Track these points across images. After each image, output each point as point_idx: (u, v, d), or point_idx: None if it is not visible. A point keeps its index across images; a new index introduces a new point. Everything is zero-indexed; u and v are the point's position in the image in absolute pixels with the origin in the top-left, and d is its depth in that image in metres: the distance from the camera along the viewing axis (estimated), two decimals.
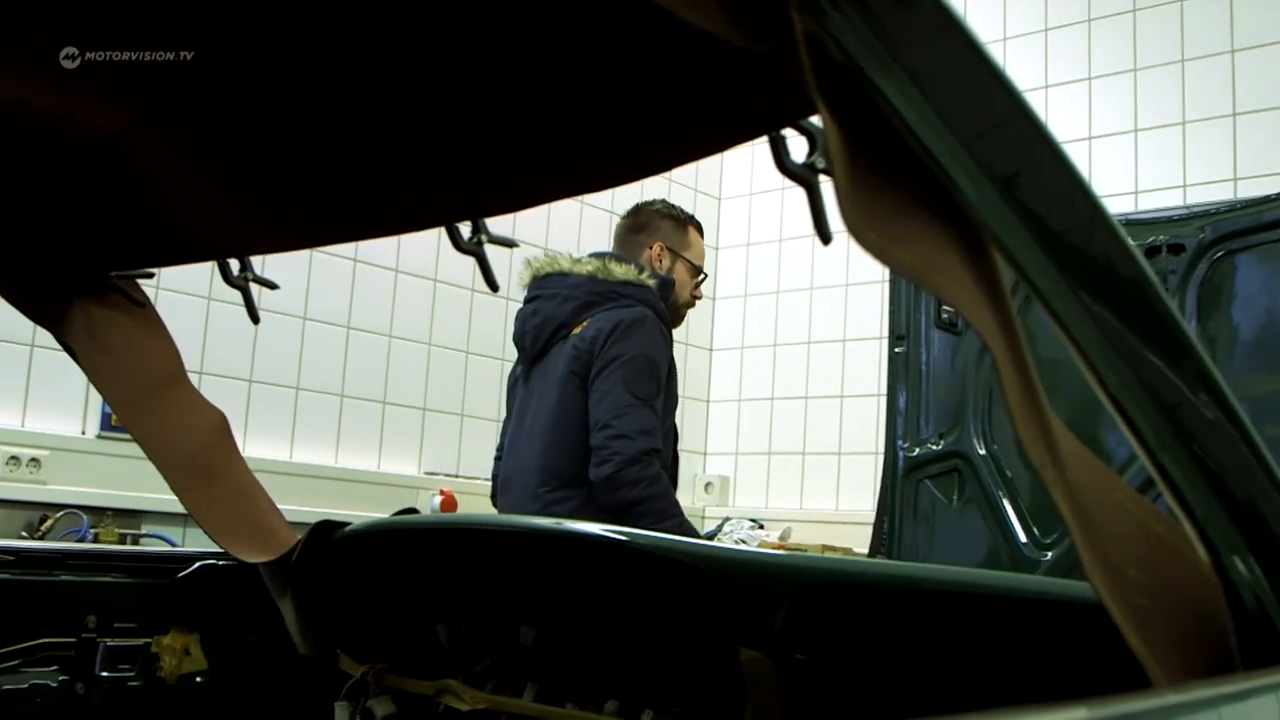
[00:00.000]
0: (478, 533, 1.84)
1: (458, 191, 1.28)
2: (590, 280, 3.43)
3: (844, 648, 1.36)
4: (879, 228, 0.72)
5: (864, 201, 0.71)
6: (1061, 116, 5.05)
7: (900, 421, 3.14)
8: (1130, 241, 0.81)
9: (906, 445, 3.12)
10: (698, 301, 3.73)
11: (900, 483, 3.11)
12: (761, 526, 5.36)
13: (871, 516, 3.26)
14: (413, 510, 2.03)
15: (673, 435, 3.47)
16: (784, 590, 1.37)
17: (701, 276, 3.70)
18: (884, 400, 3.52)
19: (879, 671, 1.35)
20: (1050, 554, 2.89)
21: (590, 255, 3.56)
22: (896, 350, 3.23)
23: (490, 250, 1.38)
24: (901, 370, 3.21)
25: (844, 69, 0.70)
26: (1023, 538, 2.92)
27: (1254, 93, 4.66)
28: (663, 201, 3.76)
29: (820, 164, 0.88)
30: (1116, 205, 4.67)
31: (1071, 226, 0.79)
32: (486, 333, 5.09)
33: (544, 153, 1.14)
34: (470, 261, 1.38)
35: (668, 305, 3.50)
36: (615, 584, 1.64)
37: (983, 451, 3.01)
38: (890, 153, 0.74)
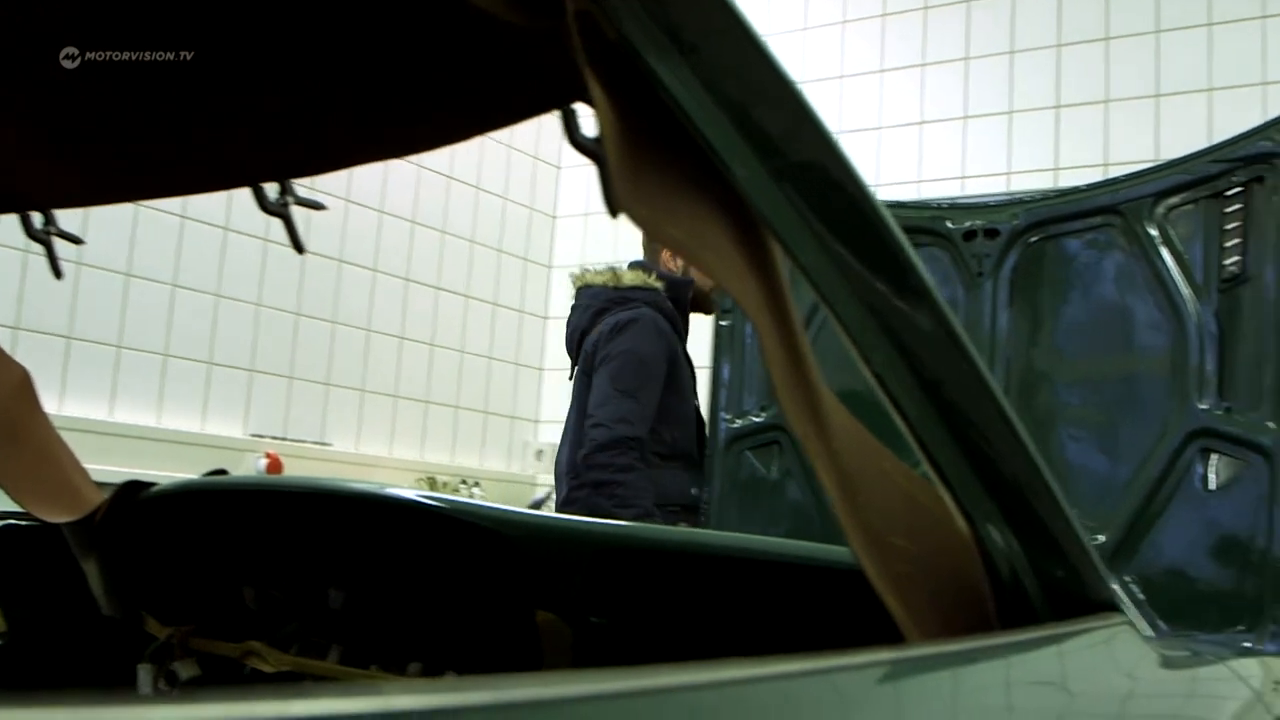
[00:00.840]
0: (285, 495, 1.83)
1: (263, 152, 1.27)
2: (604, 289, 3.84)
3: (636, 610, 1.40)
4: (650, 204, 0.74)
5: (635, 178, 0.73)
6: (896, 101, 5.17)
7: (723, 393, 3.20)
8: (897, 227, 0.85)
9: (729, 417, 3.17)
10: None
11: (722, 453, 3.16)
12: None
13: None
14: (222, 471, 2.01)
15: (695, 422, 3.73)
16: (579, 555, 1.40)
17: None
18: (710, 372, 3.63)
19: (668, 633, 1.38)
20: None
21: (608, 266, 3.94)
22: (721, 323, 3.29)
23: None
24: (726, 343, 3.27)
25: (617, 46, 0.72)
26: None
27: (1078, 86, 4.84)
28: None
29: None
30: (945, 189, 4.82)
31: (840, 209, 0.82)
32: (317, 295, 5.02)
33: (345, 118, 1.14)
34: (301, 223, 1.37)
35: (682, 303, 3.86)
36: (421, 548, 1.65)
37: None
38: (663, 130, 0.76)
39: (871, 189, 0.83)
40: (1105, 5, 4.83)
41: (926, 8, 5.21)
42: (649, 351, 3.64)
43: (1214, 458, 2.69)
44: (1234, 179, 2.72)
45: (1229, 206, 2.74)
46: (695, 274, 3.86)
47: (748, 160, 0.77)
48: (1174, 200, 2.82)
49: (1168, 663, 1.06)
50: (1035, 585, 0.99)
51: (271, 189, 1.37)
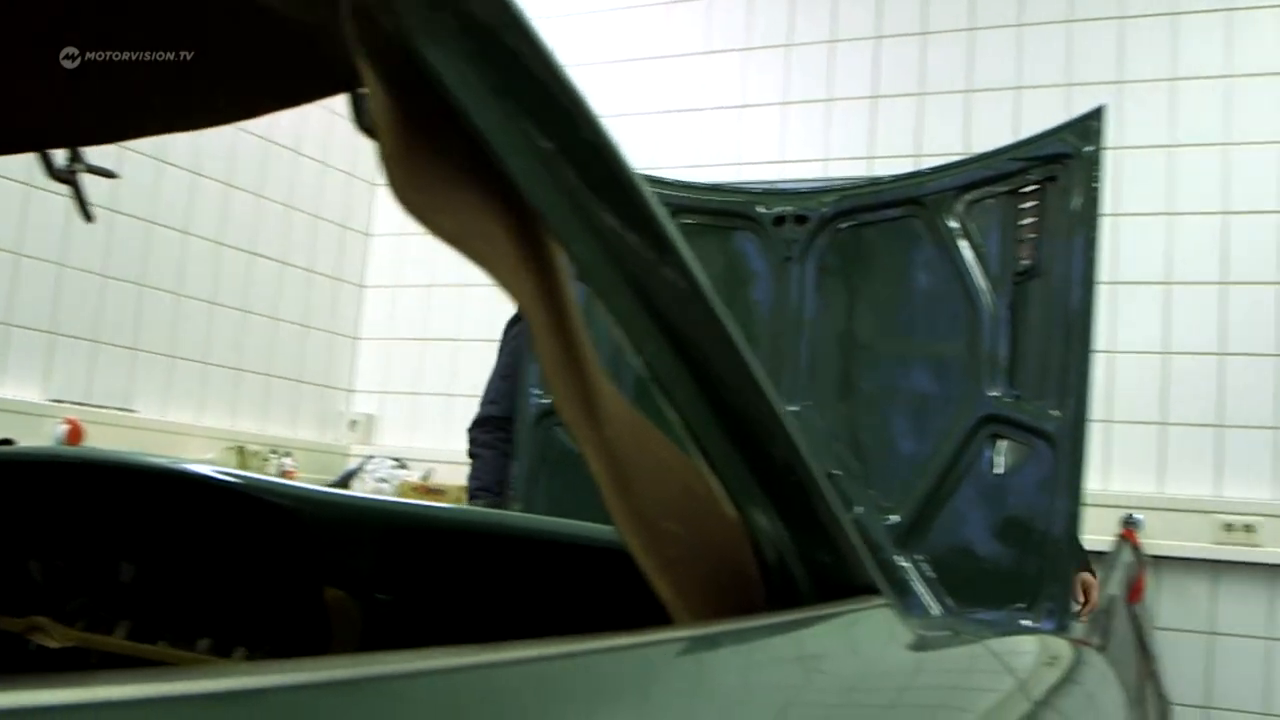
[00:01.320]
0: (74, 467, 1.80)
1: (48, 118, 1.24)
2: None
3: (422, 587, 1.41)
4: (423, 193, 0.75)
5: (408, 167, 0.74)
6: (718, 85, 5.25)
7: (534, 369, 3.21)
8: (673, 224, 0.88)
9: (538, 393, 3.19)
10: None
11: (532, 428, 3.18)
12: (404, 466, 5.38)
13: None
14: (7, 442, 1.96)
15: None
16: (367, 534, 1.41)
17: None
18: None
19: (453, 610, 1.40)
20: None
21: None
22: None
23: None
24: None
25: (394, 39, 0.73)
26: None
27: (894, 78, 4.97)
28: None
29: None
30: (764, 173, 4.91)
31: (615, 203, 0.84)
32: (124, 256, 4.88)
33: (132, 91, 1.12)
34: (109, 183, 1.34)
35: None
36: (214, 523, 1.64)
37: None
38: (440, 121, 0.77)
39: (646, 185, 0.86)
40: (923, 2, 4.97)
41: None
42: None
43: (1002, 443, 2.81)
44: (1029, 177, 2.84)
45: (1024, 203, 2.85)
46: None
47: (521, 151, 0.79)
48: (974, 195, 2.93)
49: (920, 643, 1.11)
50: (802, 570, 1.03)
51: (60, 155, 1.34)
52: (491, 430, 3.74)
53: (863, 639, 1.02)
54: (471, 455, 3.84)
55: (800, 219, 3.06)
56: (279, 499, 1.48)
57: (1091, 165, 2.77)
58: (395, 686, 0.50)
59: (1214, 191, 4.47)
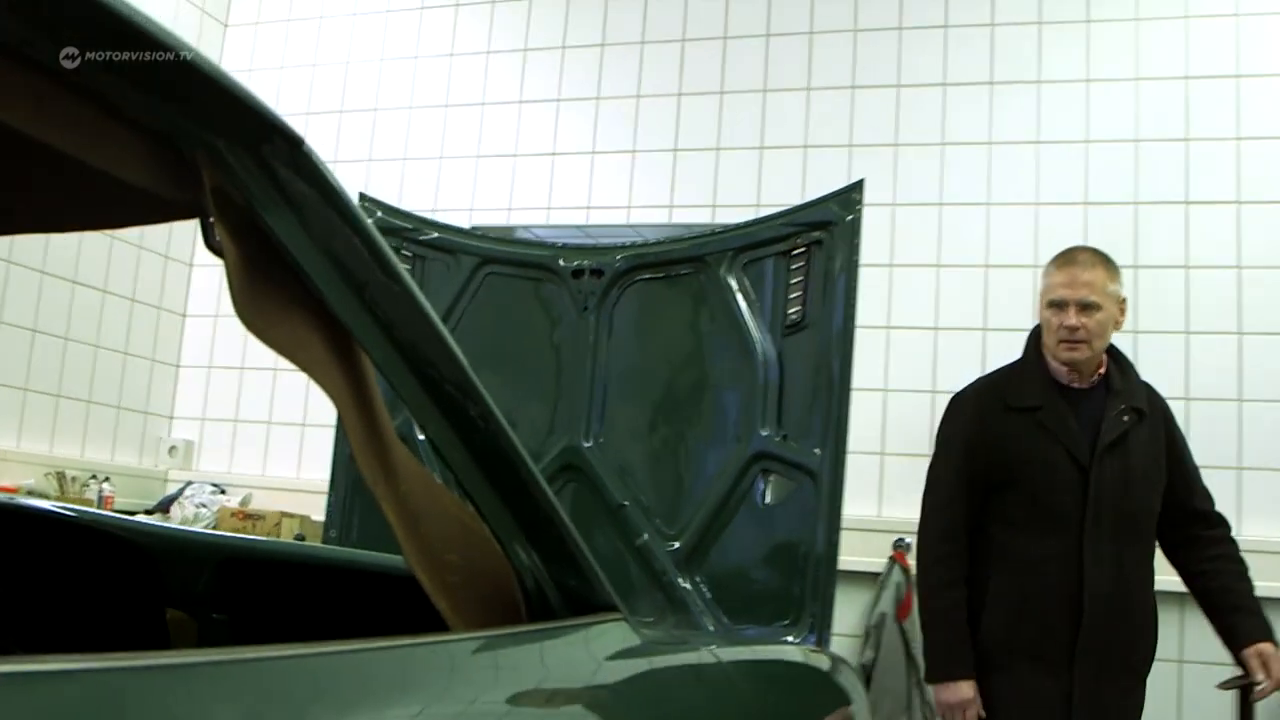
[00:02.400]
0: None
1: None
2: None
3: (252, 607, 1.67)
4: (261, 316, 1.04)
5: (249, 296, 1.03)
6: (571, 132, 5.53)
7: None
8: (447, 333, 1.17)
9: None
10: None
11: (346, 463, 3.40)
12: (223, 491, 5.52)
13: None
14: None
15: None
16: (204, 563, 1.66)
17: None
18: None
19: (278, 627, 1.67)
20: None
21: None
22: None
23: None
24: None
25: (242, 208, 1.01)
26: None
27: (694, 134, 5.33)
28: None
29: None
30: (572, 217, 5.21)
31: (404, 321, 1.14)
32: None
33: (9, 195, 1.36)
34: None
35: None
36: (65, 555, 1.86)
37: (421, 437, 3.37)
38: (273, 261, 1.06)
39: (428, 307, 1.15)
40: (721, 62, 5.35)
41: (564, 48, 5.61)
42: None
43: (772, 477, 3.15)
44: (798, 240, 3.19)
45: (794, 264, 3.21)
46: None
47: (337, 286, 1.07)
48: (750, 255, 3.27)
49: (647, 649, 1.42)
50: (555, 592, 1.33)
51: None
52: None
53: (598, 645, 1.33)
54: None
55: (596, 273, 3.37)
56: (123, 533, 1.72)
57: (852, 231, 3.13)
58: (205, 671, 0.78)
59: (978, 246, 4.93)
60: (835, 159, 5.09)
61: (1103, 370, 3.26)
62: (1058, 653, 3.11)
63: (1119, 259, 3.32)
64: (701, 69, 5.38)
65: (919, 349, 4.93)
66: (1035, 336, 3.36)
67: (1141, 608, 3.21)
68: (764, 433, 3.13)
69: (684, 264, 3.33)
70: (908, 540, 4.64)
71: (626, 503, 3.19)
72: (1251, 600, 3.25)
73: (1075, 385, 3.25)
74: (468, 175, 5.56)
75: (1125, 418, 3.20)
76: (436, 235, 3.51)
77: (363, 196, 3.68)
